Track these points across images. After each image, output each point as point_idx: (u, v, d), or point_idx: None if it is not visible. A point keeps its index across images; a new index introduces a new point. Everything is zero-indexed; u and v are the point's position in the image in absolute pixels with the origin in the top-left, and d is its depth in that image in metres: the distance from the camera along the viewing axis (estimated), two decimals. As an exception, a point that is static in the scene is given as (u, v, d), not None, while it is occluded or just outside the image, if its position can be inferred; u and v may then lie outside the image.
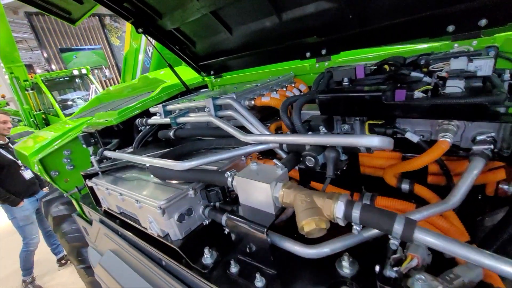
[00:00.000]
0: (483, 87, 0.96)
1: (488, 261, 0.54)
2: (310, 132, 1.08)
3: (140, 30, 2.04)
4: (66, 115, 7.98)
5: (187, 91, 2.43)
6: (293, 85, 1.83)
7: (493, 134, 0.91)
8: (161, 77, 2.74)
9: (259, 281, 0.82)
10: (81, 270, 2.51)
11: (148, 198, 1.05)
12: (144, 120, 1.94)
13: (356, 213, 0.69)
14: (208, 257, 0.97)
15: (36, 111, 9.17)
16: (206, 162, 1.08)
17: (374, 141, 0.80)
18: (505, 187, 0.86)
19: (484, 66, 1.02)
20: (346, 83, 1.30)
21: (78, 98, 9.40)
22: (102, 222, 1.66)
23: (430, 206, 0.85)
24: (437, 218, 0.86)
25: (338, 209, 0.71)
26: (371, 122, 1.19)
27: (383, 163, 1.16)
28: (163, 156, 1.40)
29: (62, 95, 9.62)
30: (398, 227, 0.63)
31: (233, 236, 0.95)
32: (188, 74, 2.80)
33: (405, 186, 1.01)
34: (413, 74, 1.12)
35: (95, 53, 14.13)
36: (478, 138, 0.93)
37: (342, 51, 1.73)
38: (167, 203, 0.99)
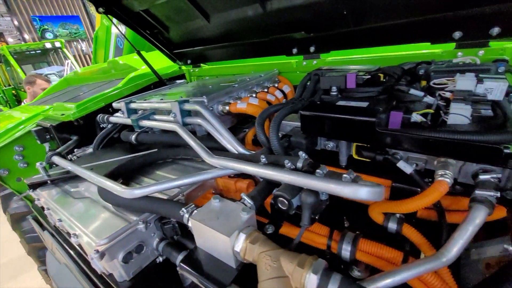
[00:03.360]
0: (494, 118, 0.81)
1: None
2: (304, 155, 0.87)
3: (101, 9, 1.73)
4: (38, 92, 7.37)
5: (160, 82, 2.17)
6: (276, 85, 1.62)
7: (499, 175, 0.77)
8: (133, 63, 2.43)
9: None
10: (43, 272, 2.32)
11: (87, 233, 0.86)
12: (105, 117, 1.69)
13: (332, 291, 0.54)
14: (159, 308, 0.81)
15: (5, 86, 8.44)
16: (160, 190, 0.89)
17: (361, 193, 0.64)
18: (510, 247, 0.74)
19: (495, 90, 0.86)
20: (334, 93, 1.12)
21: (52, 74, 8.70)
22: (53, 236, 1.46)
23: (420, 262, 0.71)
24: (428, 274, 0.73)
25: (309, 284, 0.55)
26: (360, 144, 1.03)
27: (369, 191, 1.02)
28: (120, 167, 1.20)
29: (37, 69, 8.86)
30: (383, 321, 0.49)
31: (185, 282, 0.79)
32: (165, 61, 2.51)
33: (392, 226, 0.87)
34: (412, 91, 0.95)
35: (71, 23, 12.99)
36: (481, 177, 0.79)
37: (333, 50, 1.52)
38: (107, 242, 0.81)
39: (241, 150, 1.09)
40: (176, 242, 0.93)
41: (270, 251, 0.63)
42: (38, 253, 2.34)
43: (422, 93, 0.94)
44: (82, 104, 1.80)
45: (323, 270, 0.56)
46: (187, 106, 1.22)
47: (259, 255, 0.63)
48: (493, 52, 1.14)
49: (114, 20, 2.84)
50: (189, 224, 0.77)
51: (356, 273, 0.86)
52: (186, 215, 0.79)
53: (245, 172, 0.86)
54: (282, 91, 1.58)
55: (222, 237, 0.67)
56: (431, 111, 0.89)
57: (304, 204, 0.71)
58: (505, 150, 0.68)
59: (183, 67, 2.40)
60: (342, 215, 1.07)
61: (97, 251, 0.78)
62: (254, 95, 1.45)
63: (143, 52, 2.60)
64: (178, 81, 2.24)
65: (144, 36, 2.00)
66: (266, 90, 1.54)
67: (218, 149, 1.16)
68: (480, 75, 0.92)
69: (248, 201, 0.81)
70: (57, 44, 8.96)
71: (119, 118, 1.58)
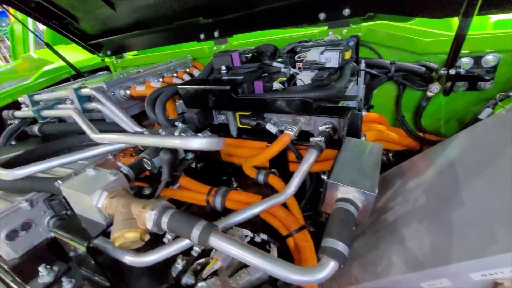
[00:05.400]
0: (327, 79, 1.00)
1: (267, 266, 0.56)
2: (181, 125, 0.99)
3: (-9, -2, 1.63)
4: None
5: (78, 74, 2.11)
6: (187, 70, 1.71)
7: (330, 126, 0.97)
8: (48, 57, 2.31)
9: (86, 298, 0.77)
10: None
11: (-36, 217, 0.88)
12: (11, 112, 1.62)
13: (164, 222, 0.66)
14: (44, 275, 0.87)
15: None
16: (42, 169, 0.93)
17: (203, 143, 0.77)
18: (325, 177, 0.93)
19: (332, 58, 1.06)
20: (224, 71, 1.24)
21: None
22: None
23: (269, 198, 0.88)
24: (277, 208, 0.90)
25: (148, 220, 0.67)
26: (241, 113, 1.18)
27: (252, 154, 1.17)
28: (16, 158, 1.19)
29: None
30: (195, 234, 0.62)
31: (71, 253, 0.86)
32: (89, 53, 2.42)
33: (260, 178, 1.03)
34: (274, 64, 1.11)
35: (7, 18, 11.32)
36: (320, 128, 0.98)
37: (235, 34, 1.65)
38: (-16, 222, 0.84)
39: (136, 128, 1.16)
40: (69, 217, 0.98)
41: (123, 200, 0.73)
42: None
43: (281, 65, 1.10)
44: (-16, 101, 1.69)
45: (161, 208, 0.68)
46: (83, 92, 1.25)
47: (115, 206, 0.73)
48: (353, 30, 1.35)
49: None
50: (64, 194, 0.84)
51: (230, 220, 1.01)
52: (61, 186, 0.85)
53: (122, 143, 0.94)
54: (192, 75, 1.67)
55: (84, 196, 0.75)
56: (284, 78, 1.06)
57: (162, 161, 0.82)
58: (321, 104, 0.86)
59: (106, 59, 2.35)
60: (231, 177, 1.22)
61: (-30, 230, 0.81)
62: (160, 79, 1.52)
63: (61, 46, 2.48)
64: (99, 73, 2.19)
65: (52, 27, 1.93)
66: (175, 74, 1.62)
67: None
68: (328, 48, 1.12)
69: (124, 167, 0.90)
70: (-25, 44, 7.85)
71: (24, 111, 1.54)
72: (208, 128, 1.31)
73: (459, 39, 0.92)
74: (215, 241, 0.61)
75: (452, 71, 1.05)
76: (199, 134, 0.83)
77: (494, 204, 0.67)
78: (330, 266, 0.54)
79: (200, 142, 0.76)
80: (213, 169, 1.28)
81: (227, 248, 0.60)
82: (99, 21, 1.88)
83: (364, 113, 0.90)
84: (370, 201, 0.65)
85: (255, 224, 0.94)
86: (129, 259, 0.76)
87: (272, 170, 1.11)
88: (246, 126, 1.18)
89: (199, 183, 1.05)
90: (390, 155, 1.41)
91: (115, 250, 0.79)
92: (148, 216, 0.67)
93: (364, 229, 1.01)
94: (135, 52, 2.56)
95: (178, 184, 1.13)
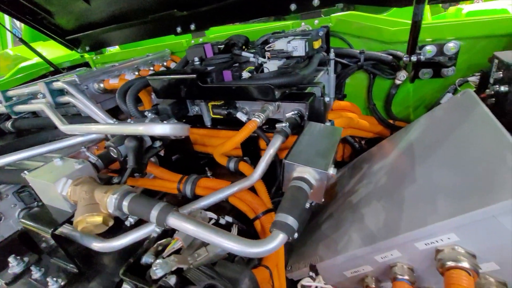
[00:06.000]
0: (292, 67, 1.02)
1: (222, 242, 0.58)
2: (150, 115, 1.00)
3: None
4: None
5: (56, 70, 2.08)
6: (164, 63, 1.71)
7: (297, 113, 0.99)
8: (25, 53, 2.27)
9: (53, 284, 0.78)
10: None
11: None
12: (-16, 109, 1.60)
13: (125, 206, 0.68)
14: (14, 266, 0.88)
15: None
16: (9, 162, 0.93)
17: (166, 129, 0.79)
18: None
19: (299, 47, 1.09)
20: (197, 62, 1.25)
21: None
22: None
23: (236, 183, 0.91)
24: (245, 192, 0.93)
25: (109, 204, 0.68)
26: (213, 103, 1.19)
27: (225, 143, 1.19)
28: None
29: None
30: (153, 214, 0.64)
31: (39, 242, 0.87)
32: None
33: (231, 165, 1.05)
34: (244, 54, 1.13)
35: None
36: (287, 115, 1.01)
37: (211, 26, 1.66)
38: (-50, 214, 0.84)
39: (109, 120, 1.17)
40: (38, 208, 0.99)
41: (87, 187, 0.74)
42: None
43: (250, 55, 1.12)
44: (-45, 98, 1.65)
45: (122, 192, 0.70)
46: (55, 86, 1.25)
47: (79, 193, 0.74)
48: (325, 21, 1.38)
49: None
50: (30, 184, 0.84)
51: (201, 206, 1.03)
52: (27, 176, 0.85)
53: (90, 133, 0.95)
54: (169, 68, 1.67)
55: (49, 185, 0.76)
56: (252, 67, 1.08)
57: (128, 148, 0.84)
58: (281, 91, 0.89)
59: (86, 55, 2.32)
60: (205, 167, 1.24)
61: None
62: (136, 72, 1.52)
63: (39, 43, 2.44)
64: (78, 69, 2.17)
65: (27, 22, 1.89)
66: (152, 68, 1.62)
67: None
68: (295, 37, 1.14)
69: (92, 157, 0.91)
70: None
71: (-2, 108, 1.51)
72: (184, 120, 1.34)
73: (415, 26, 0.96)
74: (173, 220, 0.63)
75: (413, 58, 1.09)
76: (164, 122, 0.84)
77: (440, 179, 0.71)
78: (279, 238, 0.57)
79: (163, 128, 0.77)
80: (188, 161, 1.30)
81: (185, 227, 0.62)
82: (74, 16, 1.86)
83: (327, 99, 0.93)
84: (324, 179, 0.68)
85: (224, 209, 0.96)
86: (97, 245, 0.78)
87: (244, 158, 1.13)
88: (218, 116, 1.20)
89: (171, 172, 1.06)
90: (363, 142, 1.46)
91: (83, 237, 0.81)
92: (109, 200, 0.68)
93: (332, 212, 1.05)
94: (118, 49, 2.54)
95: (152, 175, 1.15)
